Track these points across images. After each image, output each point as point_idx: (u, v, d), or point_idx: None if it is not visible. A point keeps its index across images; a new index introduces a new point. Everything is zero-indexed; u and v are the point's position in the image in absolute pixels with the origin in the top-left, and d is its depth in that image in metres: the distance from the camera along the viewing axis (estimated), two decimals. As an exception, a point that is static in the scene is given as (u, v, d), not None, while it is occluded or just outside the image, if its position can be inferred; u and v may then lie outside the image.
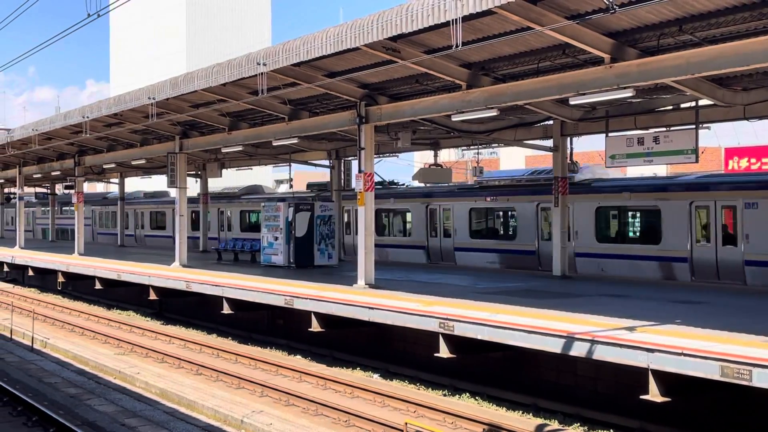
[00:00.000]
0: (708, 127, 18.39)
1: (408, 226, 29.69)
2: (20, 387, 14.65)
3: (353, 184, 23.15)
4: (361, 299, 15.32)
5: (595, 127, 18.99)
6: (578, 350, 10.88)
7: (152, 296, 22.52)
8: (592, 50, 12.66)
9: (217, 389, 14.79)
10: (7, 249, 36.95)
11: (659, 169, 29.76)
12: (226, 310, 18.96)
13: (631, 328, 11.18)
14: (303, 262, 23.51)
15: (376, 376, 15.97)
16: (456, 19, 11.38)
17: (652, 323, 11.67)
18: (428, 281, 19.40)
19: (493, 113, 15.75)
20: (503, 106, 15.42)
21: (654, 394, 10.02)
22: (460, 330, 12.72)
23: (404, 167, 65.32)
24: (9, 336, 21.39)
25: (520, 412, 12.92)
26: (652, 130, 16.84)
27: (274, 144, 22.52)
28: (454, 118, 16.81)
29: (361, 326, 15.81)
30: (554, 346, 11.26)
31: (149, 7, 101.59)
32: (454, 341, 13.04)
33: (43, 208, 49.01)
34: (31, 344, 20.04)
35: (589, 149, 33.81)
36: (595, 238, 22.37)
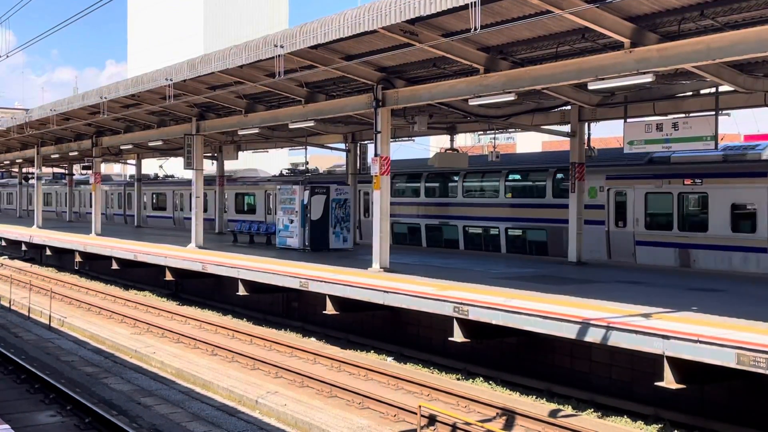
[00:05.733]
0: (728, 114, 18.19)
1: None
2: (38, 365, 14.82)
3: (370, 169, 23.10)
4: (376, 283, 15.33)
5: (614, 113, 18.87)
6: (593, 336, 10.86)
7: (168, 277, 22.67)
8: (611, 35, 12.55)
9: (232, 370, 14.89)
10: (25, 228, 37.27)
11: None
12: (242, 291, 19.05)
13: (646, 315, 11.13)
14: (318, 245, 23.56)
15: (390, 359, 16.02)
16: (474, 2, 11.30)
17: (669, 310, 11.61)
18: (443, 266, 19.39)
19: (511, 98, 15.66)
20: (521, 90, 15.32)
21: (669, 381, 9.99)
22: (475, 314, 12.72)
23: (420, 151, 65.22)
24: (27, 314, 21.63)
25: (534, 397, 12.94)
26: (671, 116, 16.71)
27: (290, 127, 22.52)
28: (472, 103, 16.73)
29: (376, 310, 15.85)
30: (569, 332, 11.24)
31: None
32: (468, 326, 13.04)
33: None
34: (48, 323, 20.25)
35: (606, 135, 33.60)
36: None
